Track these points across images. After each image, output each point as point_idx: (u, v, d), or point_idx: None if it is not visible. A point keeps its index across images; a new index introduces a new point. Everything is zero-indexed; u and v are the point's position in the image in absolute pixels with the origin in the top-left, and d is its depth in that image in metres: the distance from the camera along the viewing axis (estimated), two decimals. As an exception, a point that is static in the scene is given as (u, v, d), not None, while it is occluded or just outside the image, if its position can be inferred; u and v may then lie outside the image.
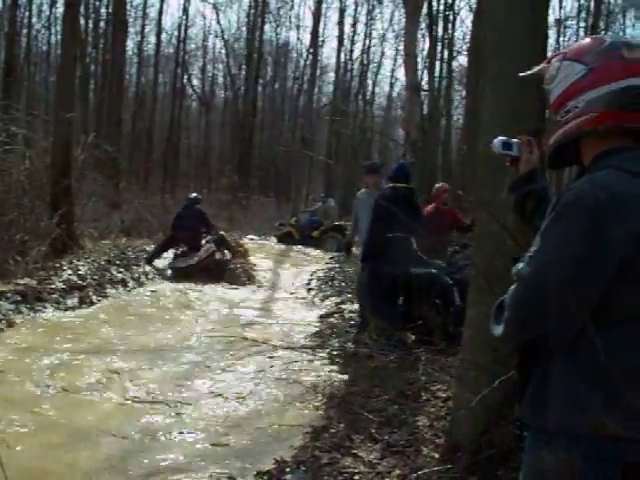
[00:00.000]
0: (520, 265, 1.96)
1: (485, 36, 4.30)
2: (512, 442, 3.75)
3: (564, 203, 1.89)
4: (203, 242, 14.11)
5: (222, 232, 15.15)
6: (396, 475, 4.32)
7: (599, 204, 1.81)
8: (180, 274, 13.36)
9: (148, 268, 13.24)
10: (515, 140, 2.40)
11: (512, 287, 1.97)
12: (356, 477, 4.39)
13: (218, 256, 13.93)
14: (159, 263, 14.05)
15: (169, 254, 14.36)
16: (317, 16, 29.21)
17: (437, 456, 4.47)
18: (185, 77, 41.26)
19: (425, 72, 18.68)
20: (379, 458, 4.70)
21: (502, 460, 3.74)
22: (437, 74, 19.43)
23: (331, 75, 47.57)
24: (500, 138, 2.42)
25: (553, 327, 1.90)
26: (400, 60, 55.91)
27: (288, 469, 4.59)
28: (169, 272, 13.72)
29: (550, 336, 1.93)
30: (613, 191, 1.82)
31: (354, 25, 43.67)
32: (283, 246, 20.64)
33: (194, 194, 15.68)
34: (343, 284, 12.88)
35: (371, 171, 8.95)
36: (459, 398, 4.27)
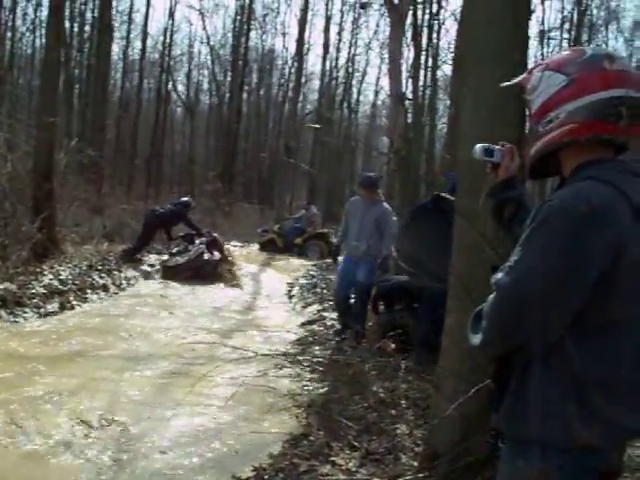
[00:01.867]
0: (499, 275, 1.96)
1: (465, 46, 4.32)
2: (489, 451, 3.78)
3: (544, 213, 1.89)
4: (197, 242, 14.72)
5: (215, 235, 15.61)
6: (373, 483, 4.32)
7: (579, 215, 1.82)
8: (168, 272, 13.84)
9: (130, 273, 13.20)
10: (497, 147, 2.42)
11: (490, 297, 1.97)
12: (334, 485, 4.40)
13: (207, 257, 14.29)
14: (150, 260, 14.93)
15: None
16: (302, 23, 29.19)
17: (416, 464, 4.48)
18: (170, 83, 41.15)
19: (410, 81, 18.79)
20: (358, 466, 4.71)
21: (480, 468, 3.75)
22: (421, 83, 19.48)
23: (316, 83, 47.72)
24: (482, 144, 2.43)
25: (531, 337, 1.90)
26: (385, 69, 56.15)
27: (267, 477, 4.58)
28: (158, 271, 14.18)
29: (527, 346, 1.93)
30: (593, 203, 1.82)
31: (339, 33, 43.73)
32: (266, 253, 20.62)
33: (186, 198, 16.61)
34: (325, 292, 12.86)
35: (367, 185, 8.90)
36: (437, 406, 4.28)
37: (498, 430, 2.14)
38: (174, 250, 14.88)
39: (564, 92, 2.01)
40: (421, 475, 3.91)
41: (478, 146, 2.44)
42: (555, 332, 1.88)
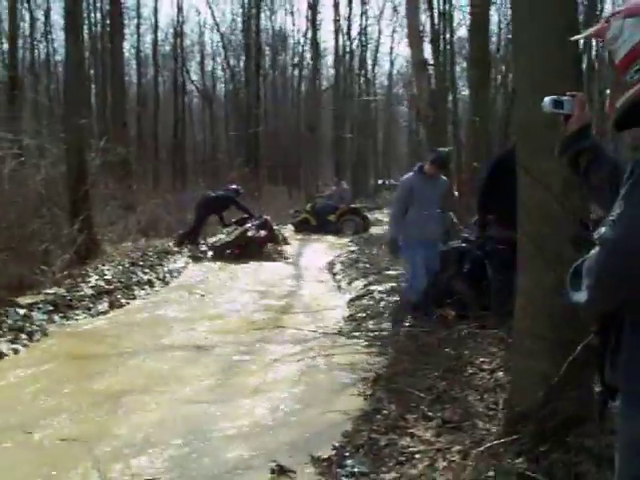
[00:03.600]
0: (602, 229, 1.90)
1: (515, 3, 4.23)
2: (579, 409, 3.74)
3: None
4: (248, 224, 15.83)
5: (267, 217, 16.73)
6: (457, 451, 4.29)
7: None
8: (216, 251, 15.29)
9: (175, 265, 13.30)
10: (566, 98, 2.36)
11: (593, 251, 1.91)
12: (417, 456, 4.38)
13: (251, 234, 15.38)
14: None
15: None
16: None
17: (494, 429, 4.45)
18: (184, 73, 41.11)
19: (430, 47, 18.65)
20: (436, 435, 4.69)
21: (570, 427, 3.71)
22: (440, 48, 19.27)
23: (329, 58, 47.50)
24: (550, 97, 2.37)
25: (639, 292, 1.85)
26: (398, 37, 55.79)
27: (347, 454, 4.58)
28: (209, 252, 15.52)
29: (636, 301, 1.88)
30: None
31: (349, 5, 43.28)
32: (300, 233, 20.67)
33: (235, 186, 17.84)
34: (368, 266, 12.84)
35: (444, 164, 7.85)
36: (517, 368, 4.24)
37: (612, 387, 2.09)
38: (224, 231, 16.17)
39: None
40: (508, 439, 3.86)
41: (547, 99, 2.38)
42: None
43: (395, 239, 7.76)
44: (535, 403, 3.81)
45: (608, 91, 2.13)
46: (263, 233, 15.76)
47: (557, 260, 3.70)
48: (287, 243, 17.75)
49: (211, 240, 16.50)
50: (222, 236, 16.19)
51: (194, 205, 17.42)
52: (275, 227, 17.29)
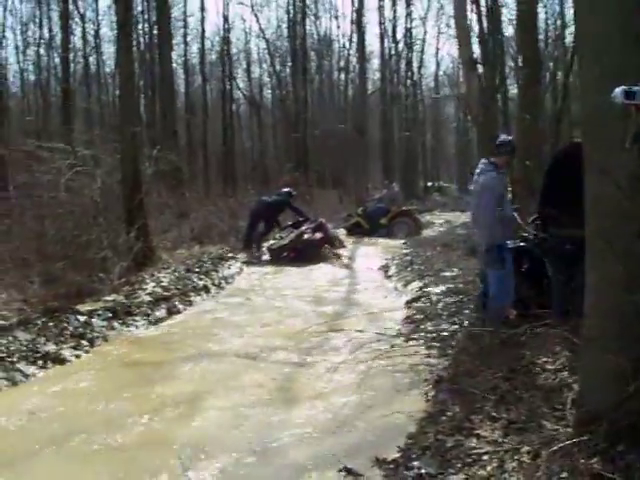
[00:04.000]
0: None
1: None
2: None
3: None
4: (304, 227, 16.17)
5: (322, 220, 17.08)
6: (526, 451, 4.24)
7: None
8: (273, 254, 15.84)
9: (226, 272, 13.41)
10: (637, 88, 2.32)
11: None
12: (485, 457, 4.34)
13: (307, 236, 15.71)
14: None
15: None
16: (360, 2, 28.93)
17: (562, 430, 4.38)
18: (232, 81, 41.37)
19: (478, 46, 18.53)
20: (503, 436, 4.64)
21: (647, 427, 3.64)
22: (489, 46, 19.11)
23: (375, 61, 47.46)
24: (622, 87, 2.33)
25: None
26: (444, 38, 55.58)
27: (414, 456, 4.55)
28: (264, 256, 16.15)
29: None
30: None
31: (394, 7, 43.15)
32: (353, 237, 20.67)
33: (288, 189, 17.84)
34: (422, 268, 12.77)
35: (504, 151, 7.36)
36: (587, 367, 4.17)
37: None
38: (282, 235, 16.55)
39: None
40: (580, 439, 3.80)
41: (618, 90, 2.35)
42: None
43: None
44: (608, 402, 3.74)
45: None
46: (319, 235, 16.02)
47: (627, 255, 3.64)
48: (343, 246, 17.92)
49: (267, 244, 16.86)
50: (279, 240, 16.49)
51: (249, 212, 17.59)
52: (331, 229, 17.59)
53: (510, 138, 7.80)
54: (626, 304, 3.75)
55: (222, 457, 4.80)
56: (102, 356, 7.69)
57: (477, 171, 7.37)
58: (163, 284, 11.04)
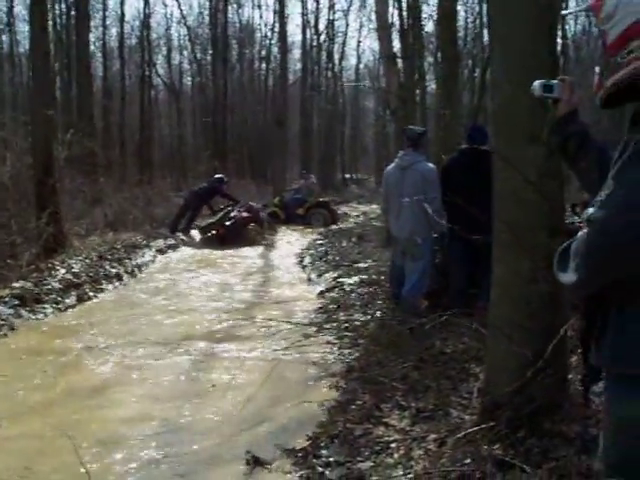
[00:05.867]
0: (590, 210, 1.89)
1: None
2: (554, 394, 3.77)
3: (639, 145, 1.82)
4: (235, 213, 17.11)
5: (251, 203, 18.30)
6: (432, 439, 4.31)
7: None
8: (202, 232, 16.92)
9: (140, 259, 13.21)
10: (555, 81, 2.36)
11: (581, 232, 1.91)
12: (393, 445, 4.39)
13: (234, 214, 16.74)
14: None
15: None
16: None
17: (469, 417, 4.47)
18: (151, 67, 40.68)
19: (398, 40, 18.67)
20: (411, 424, 4.71)
21: (546, 413, 3.74)
22: (410, 42, 19.26)
23: (297, 52, 47.42)
24: (540, 81, 2.37)
25: (629, 272, 1.85)
26: (365, 31, 55.77)
27: (323, 444, 4.57)
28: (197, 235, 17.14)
29: (625, 281, 1.87)
30: None
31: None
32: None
33: (220, 175, 19.25)
34: (337, 259, 12.84)
35: (424, 142, 7.70)
36: (493, 356, 4.25)
37: (596, 369, 2.09)
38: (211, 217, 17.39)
39: None
40: (484, 426, 3.88)
41: (537, 83, 2.38)
42: None
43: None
44: (511, 390, 3.83)
45: (597, 69, 2.12)
46: (245, 214, 16.91)
47: (533, 248, 3.72)
48: (274, 230, 18.86)
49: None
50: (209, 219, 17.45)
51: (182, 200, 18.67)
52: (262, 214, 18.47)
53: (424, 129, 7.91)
54: (531, 295, 3.84)
55: (125, 449, 4.70)
56: (7, 345, 7.46)
57: (402, 163, 7.41)
58: (74, 271, 10.78)
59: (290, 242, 17.17)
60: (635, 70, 1.94)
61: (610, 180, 1.87)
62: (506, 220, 3.88)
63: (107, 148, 28.67)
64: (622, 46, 1.96)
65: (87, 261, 11.70)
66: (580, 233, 1.91)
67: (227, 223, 16.62)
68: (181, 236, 17.31)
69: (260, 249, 16.02)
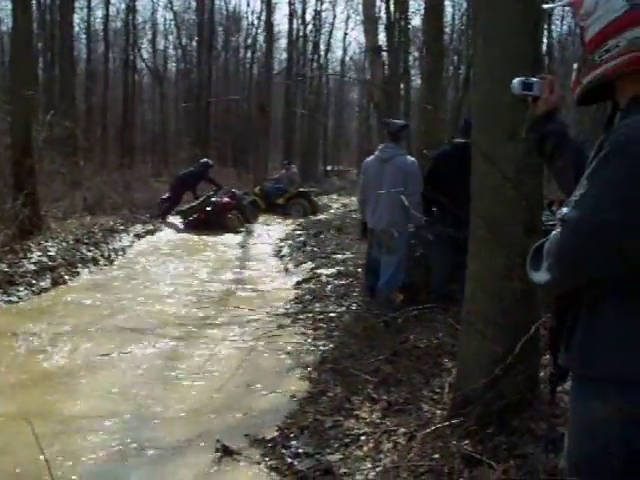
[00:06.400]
0: (564, 209, 1.87)
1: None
2: (524, 392, 3.77)
3: (613, 144, 1.79)
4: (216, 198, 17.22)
5: (234, 190, 18.48)
6: (402, 433, 4.30)
7: None
8: (183, 215, 17.12)
9: (117, 244, 13.14)
10: (535, 79, 2.34)
11: (554, 232, 1.89)
12: (362, 438, 4.38)
13: (214, 199, 16.96)
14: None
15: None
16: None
17: (439, 412, 4.47)
18: (136, 51, 40.40)
19: (384, 34, 18.66)
20: (381, 417, 4.70)
21: (515, 410, 3.74)
22: (396, 36, 19.24)
23: (283, 41, 47.25)
24: (519, 78, 2.35)
25: (602, 272, 1.83)
26: (352, 23, 55.71)
27: (292, 435, 4.56)
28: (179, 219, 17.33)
29: (598, 281, 1.86)
30: None
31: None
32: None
33: (206, 159, 19.64)
34: (315, 250, 12.82)
35: (405, 135, 7.82)
36: (465, 351, 4.25)
37: (564, 369, 2.08)
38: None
39: (625, 18, 1.87)
40: (454, 421, 3.87)
41: (516, 80, 2.36)
42: (627, 266, 1.80)
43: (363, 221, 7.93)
44: (481, 386, 3.83)
45: (575, 66, 2.10)
46: (226, 200, 17.05)
47: (509, 244, 3.72)
48: (255, 218, 19.06)
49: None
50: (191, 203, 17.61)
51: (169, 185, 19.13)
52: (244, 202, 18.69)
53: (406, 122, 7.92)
54: (505, 292, 3.84)
55: (92, 437, 4.64)
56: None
57: (383, 155, 7.40)
58: (50, 254, 10.69)
59: (269, 231, 17.09)
60: (606, 71, 1.93)
61: (584, 180, 1.85)
62: (483, 216, 3.87)
63: (89, 131, 28.53)
64: (600, 44, 1.94)
65: (63, 244, 11.62)
66: (553, 232, 1.90)
67: (208, 208, 16.62)
68: (161, 220, 17.44)
69: (239, 237, 15.97)
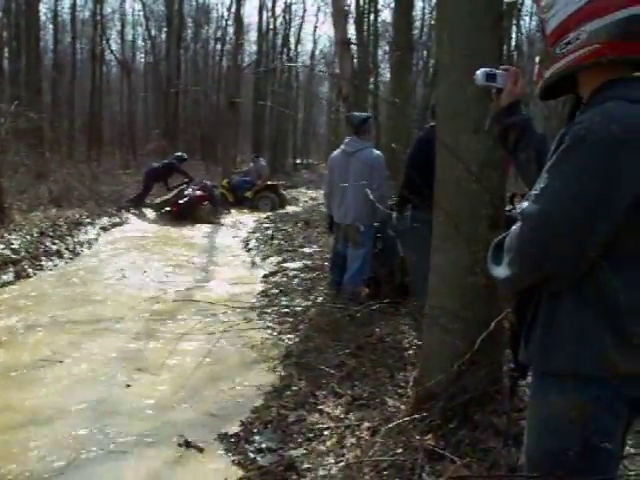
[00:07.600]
0: (524, 204, 1.86)
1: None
2: (487, 387, 3.77)
3: (573, 137, 1.78)
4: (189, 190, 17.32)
5: (206, 182, 18.54)
6: (366, 428, 4.29)
7: (612, 137, 1.72)
8: (156, 208, 17.12)
9: (83, 237, 12.99)
10: (499, 71, 2.32)
11: (514, 227, 1.88)
12: (326, 432, 4.37)
13: (187, 192, 17.05)
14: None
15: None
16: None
17: (404, 407, 4.46)
18: (104, 42, 39.99)
19: (354, 27, 18.68)
20: (345, 412, 4.69)
21: (478, 405, 3.74)
22: (365, 29, 19.27)
23: (253, 34, 47.10)
24: (484, 69, 2.33)
25: (562, 267, 1.82)
26: (322, 16, 55.64)
27: (255, 430, 4.53)
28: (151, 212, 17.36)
29: (557, 276, 1.85)
30: (625, 123, 1.73)
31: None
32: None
33: (180, 153, 19.92)
34: (283, 243, 12.79)
35: (369, 128, 7.60)
36: (428, 346, 4.24)
37: (526, 364, 2.08)
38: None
39: (585, 10, 1.87)
40: (417, 416, 3.87)
41: (480, 71, 2.34)
42: (587, 260, 1.80)
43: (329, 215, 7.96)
44: (445, 381, 3.82)
45: (537, 59, 2.09)
46: (199, 193, 17.10)
47: (472, 239, 3.71)
48: (227, 210, 19.19)
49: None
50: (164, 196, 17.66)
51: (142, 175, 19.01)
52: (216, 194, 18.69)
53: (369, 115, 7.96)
54: (467, 286, 3.83)
55: (53, 431, 4.59)
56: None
57: (348, 149, 7.37)
58: (13, 247, 10.52)
59: (238, 224, 17.02)
60: (568, 64, 1.92)
61: (545, 173, 1.84)
62: (446, 210, 3.85)
63: (55, 122, 28.16)
64: (561, 36, 1.93)
65: (27, 237, 11.45)
66: (513, 227, 1.89)
67: (180, 201, 16.66)
68: (131, 211, 17.42)
69: (208, 229, 15.88)
